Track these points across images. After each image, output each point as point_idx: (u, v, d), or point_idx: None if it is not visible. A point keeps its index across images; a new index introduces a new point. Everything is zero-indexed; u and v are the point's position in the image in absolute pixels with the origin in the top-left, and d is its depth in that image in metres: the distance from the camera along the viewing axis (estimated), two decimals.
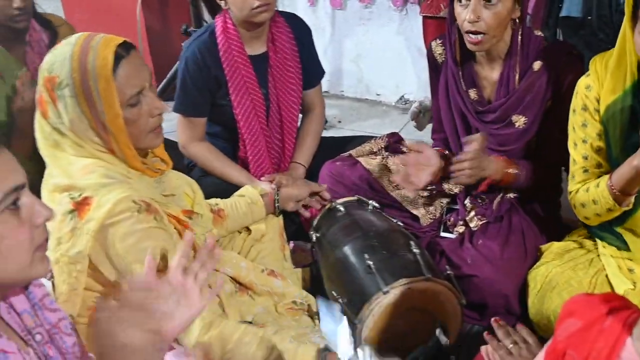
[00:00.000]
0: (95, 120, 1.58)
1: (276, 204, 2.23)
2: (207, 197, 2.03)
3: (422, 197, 2.36)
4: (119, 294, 1.20)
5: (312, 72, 2.67)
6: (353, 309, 1.81)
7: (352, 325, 1.73)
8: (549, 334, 1.36)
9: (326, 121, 3.63)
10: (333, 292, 1.95)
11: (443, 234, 2.30)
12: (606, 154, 1.84)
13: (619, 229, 1.89)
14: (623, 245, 1.90)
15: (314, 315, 1.95)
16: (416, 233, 2.27)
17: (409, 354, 1.84)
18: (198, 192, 1.92)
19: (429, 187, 2.34)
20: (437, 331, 1.82)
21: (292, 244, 2.35)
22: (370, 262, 1.87)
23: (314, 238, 2.22)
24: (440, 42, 2.28)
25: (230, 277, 1.89)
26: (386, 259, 1.90)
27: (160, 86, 3.93)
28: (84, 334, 1.50)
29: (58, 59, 1.57)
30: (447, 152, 2.28)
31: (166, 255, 1.58)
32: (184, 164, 2.64)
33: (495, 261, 2.05)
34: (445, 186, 2.33)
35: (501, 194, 2.23)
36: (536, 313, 1.94)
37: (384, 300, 1.77)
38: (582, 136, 1.87)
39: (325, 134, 2.90)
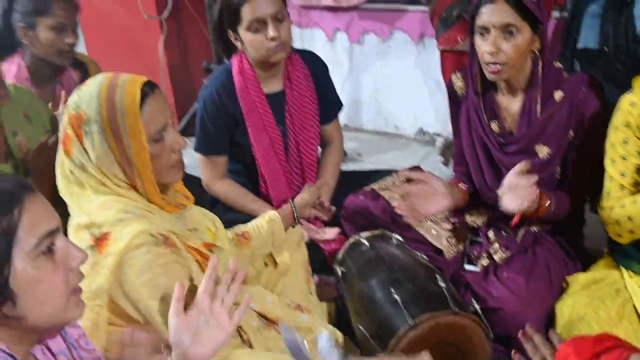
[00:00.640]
0: (121, 155, 1.62)
1: (294, 214, 2.31)
2: None
3: (445, 230, 2.37)
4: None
5: (329, 106, 2.71)
6: (380, 343, 1.81)
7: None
8: None
9: (346, 154, 3.66)
10: (360, 327, 1.96)
11: (467, 267, 2.29)
12: None
13: None
14: None
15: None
16: (440, 266, 2.27)
17: None
18: (220, 228, 1.95)
19: (452, 220, 2.35)
20: None
21: (316, 277, 2.36)
22: (397, 296, 1.87)
23: (339, 272, 2.23)
24: (460, 75, 2.30)
25: (257, 313, 1.91)
26: (412, 292, 1.90)
27: (182, 123, 3.99)
28: None
29: (85, 97, 1.62)
30: (464, 185, 2.29)
31: (193, 288, 1.60)
32: (207, 200, 2.68)
33: (520, 294, 2.05)
34: (468, 219, 2.33)
35: (525, 227, 2.23)
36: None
37: (411, 333, 1.77)
38: (622, 153, 1.88)
39: (346, 167, 2.93)
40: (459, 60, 3.23)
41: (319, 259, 2.47)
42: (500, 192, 2.00)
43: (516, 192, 1.97)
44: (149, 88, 1.65)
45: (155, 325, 1.57)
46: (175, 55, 4.33)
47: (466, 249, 2.33)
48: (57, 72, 2.68)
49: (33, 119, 2.40)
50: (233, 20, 2.41)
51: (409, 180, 2.39)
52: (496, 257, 2.21)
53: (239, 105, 2.50)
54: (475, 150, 2.27)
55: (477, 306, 1.93)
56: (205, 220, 1.92)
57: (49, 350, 1.25)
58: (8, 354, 1.12)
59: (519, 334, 1.56)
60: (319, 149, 2.73)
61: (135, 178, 1.66)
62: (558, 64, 2.17)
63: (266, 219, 2.18)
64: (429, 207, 2.15)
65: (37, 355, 1.21)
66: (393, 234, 2.27)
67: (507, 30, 1.99)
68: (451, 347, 1.84)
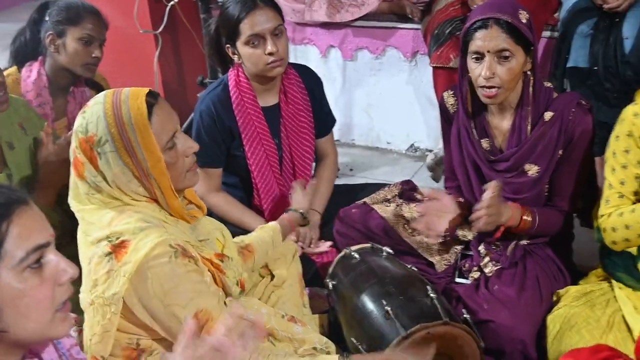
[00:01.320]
0: (138, 169, 1.64)
1: (304, 215, 2.40)
2: None
3: (436, 243, 2.39)
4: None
5: (323, 121, 2.73)
6: None
7: None
8: None
9: (338, 169, 3.68)
10: (352, 339, 1.98)
11: (458, 280, 2.32)
12: None
13: None
14: (638, 286, 1.95)
15: None
16: (431, 279, 2.29)
17: None
18: (228, 237, 1.97)
19: (443, 234, 2.37)
20: None
21: (308, 290, 2.37)
22: (389, 308, 1.89)
23: (330, 286, 2.25)
24: (452, 92, 2.33)
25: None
26: (404, 304, 1.92)
27: None
28: None
29: (92, 119, 1.63)
30: (461, 199, 2.32)
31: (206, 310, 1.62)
32: None
33: (511, 306, 2.07)
34: (460, 232, 2.36)
35: (515, 241, 2.26)
36: (554, 353, 1.96)
37: (403, 345, 1.79)
38: (623, 162, 1.92)
39: (338, 181, 2.95)
40: (451, 77, 3.25)
41: (311, 272, 2.49)
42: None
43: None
44: (152, 98, 1.67)
45: (174, 335, 1.57)
46: (170, 69, 4.34)
47: (457, 262, 2.36)
48: (72, 82, 2.71)
49: (28, 131, 2.41)
50: (231, 34, 2.44)
51: (401, 197, 2.43)
52: (486, 270, 2.24)
53: (235, 118, 2.53)
54: (465, 168, 2.30)
55: (467, 315, 1.95)
56: (215, 230, 1.93)
57: (40, 359, 1.24)
58: None
59: None
60: (313, 163, 2.76)
61: (155, 190, 1.67)
62: (548, 84, 2.21)
63: (269, 232, 2.19)
64: (442, 224, 2.19)
65: None
66: (384, 247, 2.29)
67: (501, 55, 2.02)
68: (444, 358, 1.86)
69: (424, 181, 3.62)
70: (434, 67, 3.42)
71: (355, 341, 1.96)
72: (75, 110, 2.60)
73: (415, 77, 4.03)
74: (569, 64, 2.93)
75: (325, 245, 2.53)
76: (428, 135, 4.10)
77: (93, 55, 2.64)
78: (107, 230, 1.62)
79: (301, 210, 2.40)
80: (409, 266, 2.23)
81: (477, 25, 2.05)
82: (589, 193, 2.22)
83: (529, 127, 2.16)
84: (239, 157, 2.59)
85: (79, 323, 1.74)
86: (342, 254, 2.32)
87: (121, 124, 1.61)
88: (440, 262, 2.36)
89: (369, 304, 1.99)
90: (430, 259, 2.36)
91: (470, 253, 2.34)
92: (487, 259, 2.26)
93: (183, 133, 1.75)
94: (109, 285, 1.59)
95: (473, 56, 2.06)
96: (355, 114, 4.34)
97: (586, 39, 2.86)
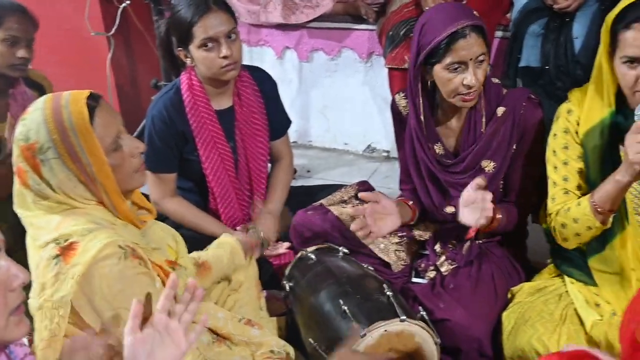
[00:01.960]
0: (83, 174, 1.61)
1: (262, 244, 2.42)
2: None
3: (392, 244, 2.40)
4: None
5: (278, 123, 2.72)
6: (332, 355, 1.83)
7: None
8: None
9: (295, 171, 3.68)
10: (310, 340, 1.97)
11: (415, 280, 2.33)
12: (585, 175, 1.92)
13: (591, 262, 1.96)
14: (590, 281, 1.98)
15: None
16: (388, 280, 2.29)
17: None
18: (181, 244, 1.94)
19: (399, 234, 2.38)
20: None
21: (265, 293, 2.36)
22: (346, 307, 1.90)
23: (288, 287, 2.24)
24: (403, 95, 2.32)
25: (208, 328, 1.90)
26: (361, 303, 1.93)
27: None
28: None
29: (32, 126, 1.59)
30: (411, 202, 2.33)
31: (151, 301, 1.59)
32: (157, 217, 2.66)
33: (467, 305, 2.08)
34: (415, 232, 2.37)
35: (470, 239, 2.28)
36: (509, 348, 1.98)
37: (361, 344, 1.79)
38: (564, 158, 1.95)
39: (295, 183, 2.94)
40: (406, 78, 3.26)
41: (268, 274, 2.47)
42: (460, 204, 2.04)
43: (474, 206, 2.02)
44: (93, 101, 1.64)
45: (119, 336, 1.53)
46: (123, 72, 4.29)
47: (413, 262, 2.37)
48: (9, 86, 2.64)
49: None
50: (184, 38, 2.40)
51: (357, 198, 2.42)
52: (442, 269, 2.25)
53: (188, 122, 2.49)
54: (420, 171, 2.29)
55: (423, 313, 1.96)
56: (167, 237, 1.91)
57: None
58: None
59: None
60: (269, 165, 2.74)
61: (101, 193, 1.65)
62: (496, 80, 2.23)
63: (228, 251, 2.15)
64: (381, 227, 2.16)
65: None
66: (340, 247, 2.29)
67: (478, 59, 2.03)
68: (402, 356, 1.86)
69: (380, 182, 3.64)
70: (389, 69, 3.44)
71: (313, 342, 1.95)
72: (18, 112, 2.53)
73: (371, 78, 4.05)
74: (521, 64, 2.97)
75: (282, 247, 2.52)
76: (385, 135, 4.12)
77: (19, 55, 2.56)
78: (55, 233, 1.59)
79: (262, 235, 2.44)
80: (365, 266, 2.23)
81: (455, 37, 2.01)
82: (542, 187, 2.24)
83: (483, 124, 2.17)
84: (193, 161, 2.55)
85: (30, 331, 1.70)
86: (298, 255, 2.32)
87: (63, 130, 1.58)
88: (397, 262, 2.36)
89: (326, 304, 1.99)
90: (387, 260, 2.36)
91: (427, 252, 2.35)
92: (443, 257, 2.28)
93: (128, 134, 1.72)
94: (57, 288, 1.55)
95: (453, 67, 2.03)
96: (312, 116, 4.35)
97: (537, 39, 2.90)
